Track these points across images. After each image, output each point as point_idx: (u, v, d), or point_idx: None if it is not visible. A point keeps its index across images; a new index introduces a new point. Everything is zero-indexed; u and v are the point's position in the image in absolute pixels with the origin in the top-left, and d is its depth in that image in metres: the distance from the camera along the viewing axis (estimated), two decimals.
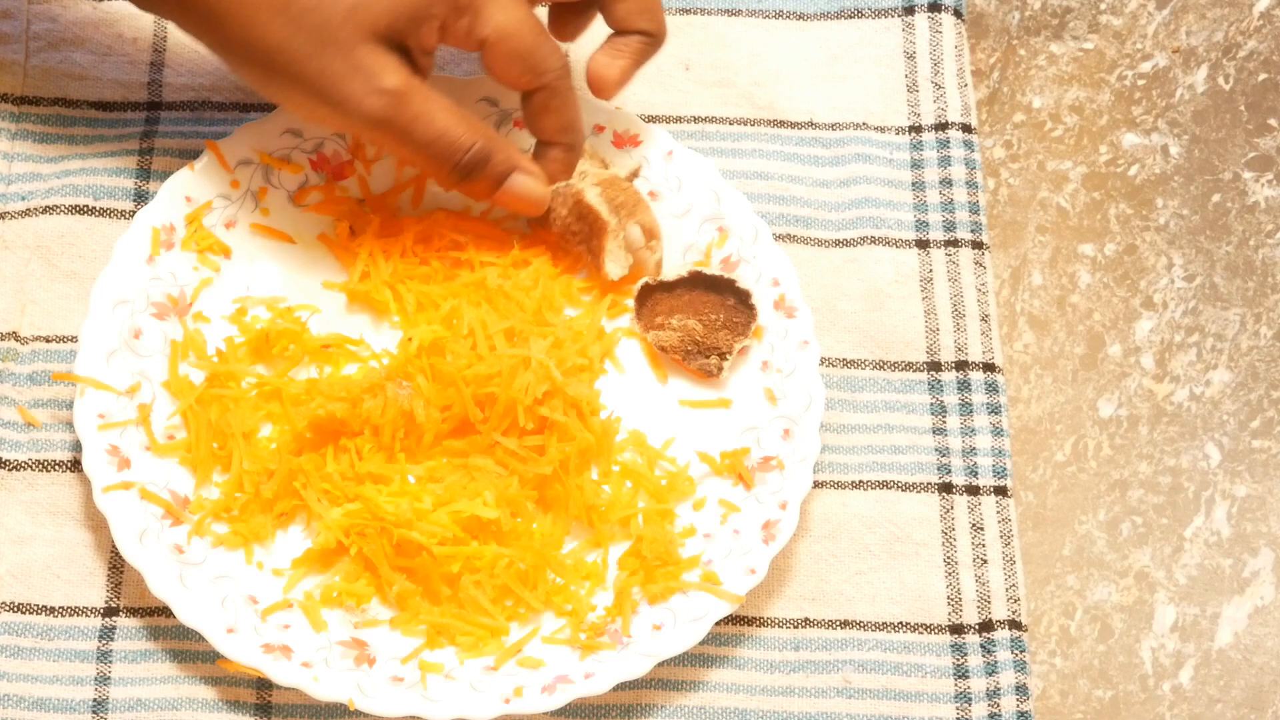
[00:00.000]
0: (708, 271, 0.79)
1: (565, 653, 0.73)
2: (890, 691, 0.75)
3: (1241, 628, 0.78)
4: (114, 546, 0.75)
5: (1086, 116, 0.88)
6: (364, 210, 0.81)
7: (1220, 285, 0.85)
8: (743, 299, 0.79)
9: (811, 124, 0.85)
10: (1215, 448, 0.82)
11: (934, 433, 0.79)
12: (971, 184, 0.84)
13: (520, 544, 0.74)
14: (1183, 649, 0.78)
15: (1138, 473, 0.81)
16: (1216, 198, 0.87)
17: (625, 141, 0.82)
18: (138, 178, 0.82)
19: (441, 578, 0.73)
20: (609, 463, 0.77)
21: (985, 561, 0.77)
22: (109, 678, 0.74)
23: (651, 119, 0.84)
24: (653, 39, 0.78)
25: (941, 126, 0.85)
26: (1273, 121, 0.88)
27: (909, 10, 0.87)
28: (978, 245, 0.83)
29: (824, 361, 0.80)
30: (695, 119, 0.85)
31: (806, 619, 0.76)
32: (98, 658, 0.74)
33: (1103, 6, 0.90)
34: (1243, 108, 0.89)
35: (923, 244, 0.83)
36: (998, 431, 0.79)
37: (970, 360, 0.81)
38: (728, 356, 0.78)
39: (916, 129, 0.85)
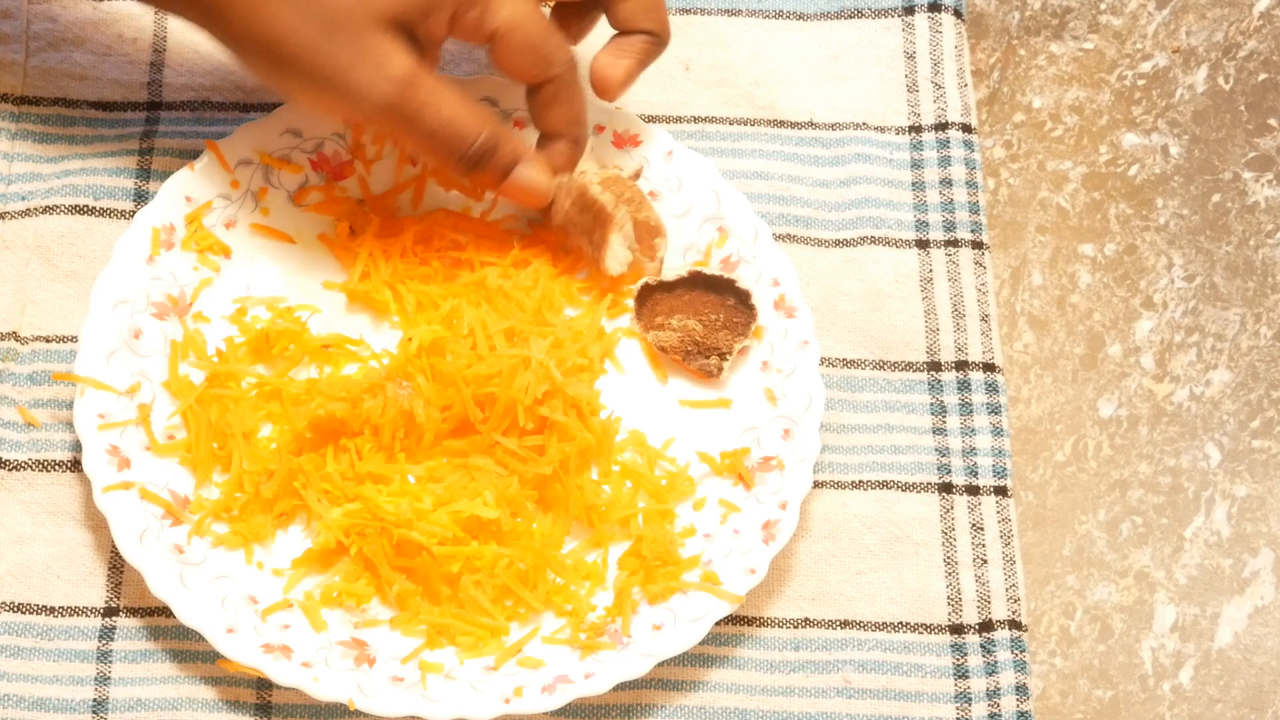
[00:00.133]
0: (708, 271, 0.79)
1: (565, 653, 0.73)
2: (890, 691, 0.75)
3: (1241, 628, 0.78)
4: (114, 546, 0.75)
5: (1086, 116, 0.88)
6: (364, 210, 0.81)
7: (1220, 285, 0.85)
8: (743, 299, 0.79)
9: (811, 124, 0.85)
10: (1215, 448, 0.82)
11: (934, 433, 0.79)
12: (971, 184, 0.84)
13: (520, 544, 0.74)
14: (1183, 649, 0.78)
15: (1138, 473, 0.81)
16: (1216, 198, 0.87)
17: (625, 141, 0.82)
18: (138, 178, 0.82)
19: (441, 578, 0.73)
20: (609, 463, 0.77)
21: (985, 561, 0.77)
22: (109, 678, 0.74)
23: (651, 119, 0.84)
24: (657, 39, 0.78)
25: (941, 126, 0.85)
26: (1273, 121, 0.88)
27: (909, 10, 0.87)
28: (978, 245, 0.83)
29: (824, 361, 0.80)
30: (695, 119, 0.85)
31: (806, 619, 0.76)
32: (98, 658, 0.74)
33: (1103, 6, 0.90)
34: (1243, 108, 0.89)
35: (923, 244, 0.83)
36: (998, 431, 0.79)
37: (970, 360, 0.81)
38: (728, 356, 0.78)
39: (916, 129, 0.85)
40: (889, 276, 0.82)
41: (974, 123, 0.86)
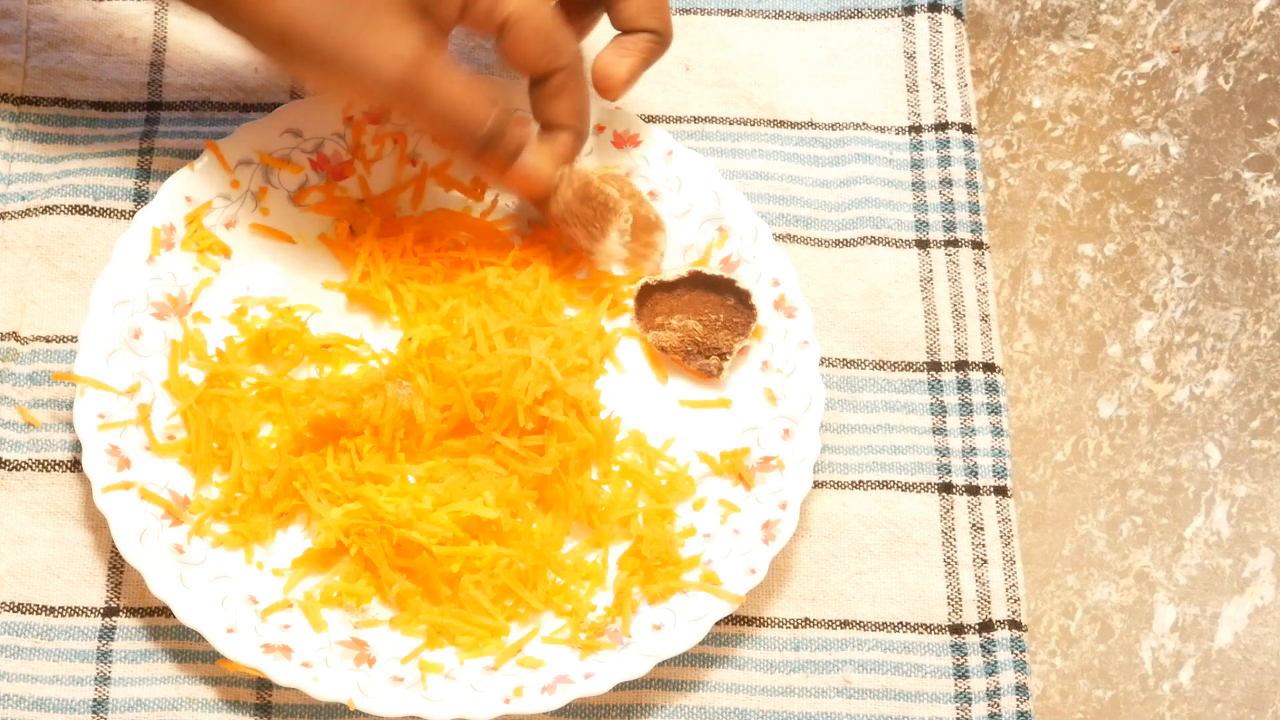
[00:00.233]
0: (708, 271, 0.79)
1: (565, 653, 0.73)
2: (890, 691, 0.75)
3: (1241, 628, 0.78)
4: (114, 546, 0.75)
5: (1086, 116, 0.88)
6: (364, 210, 0.81)
7: (1220, 285, 0.85)
8: (743, 299, 0.79)
9: (811, 124, 0.85)
10: (1215, 448, 0.82)
11: (934, 433, 0.79)
12: (971, 184, 0.84)
13: (520, 544, 0.74)
14: (1183, 649, 0.78)
15: (1138, 473, 0.81)
16: (1216, 198, 0.87)
17: (625, 141, 0.82)
18: (138, 178, 0.82)
19: (441, 578, 0.73)
20: (609, 463, 0.77)
21: (985, 561, 0.77)
22: (109, 678, 0.74)
23: (651, 119, 0.84)
24: (660, 38, 0.78)
25: (941, 126, 0.85)
26: (1273, 121, 0.88)
27: (909, 10, 0.87)
28: (978, 245, 0.83)
29: (824, 361, 0.80)
30: (695, 119, 0.85)
31: (806, 619, 0.76)
32: (98, 658, 0.74)
33: (1103, 6, 0.90)
34: (1243, 108, 0.89)
35: (923, 244, 0.83)
36: (998, 431, 0.79)
37: (970, 360, 0.81)
38: (728, 356, 0.78)
39: (916, 129, 0.85)
40: (889, 276, 0.82)
41: (974, 123, 0.86)
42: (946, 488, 0.79)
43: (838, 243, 0.83)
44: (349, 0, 0.71)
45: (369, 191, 0.81)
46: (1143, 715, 0.77)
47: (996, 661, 0.75)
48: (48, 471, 0.77)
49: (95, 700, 0.73)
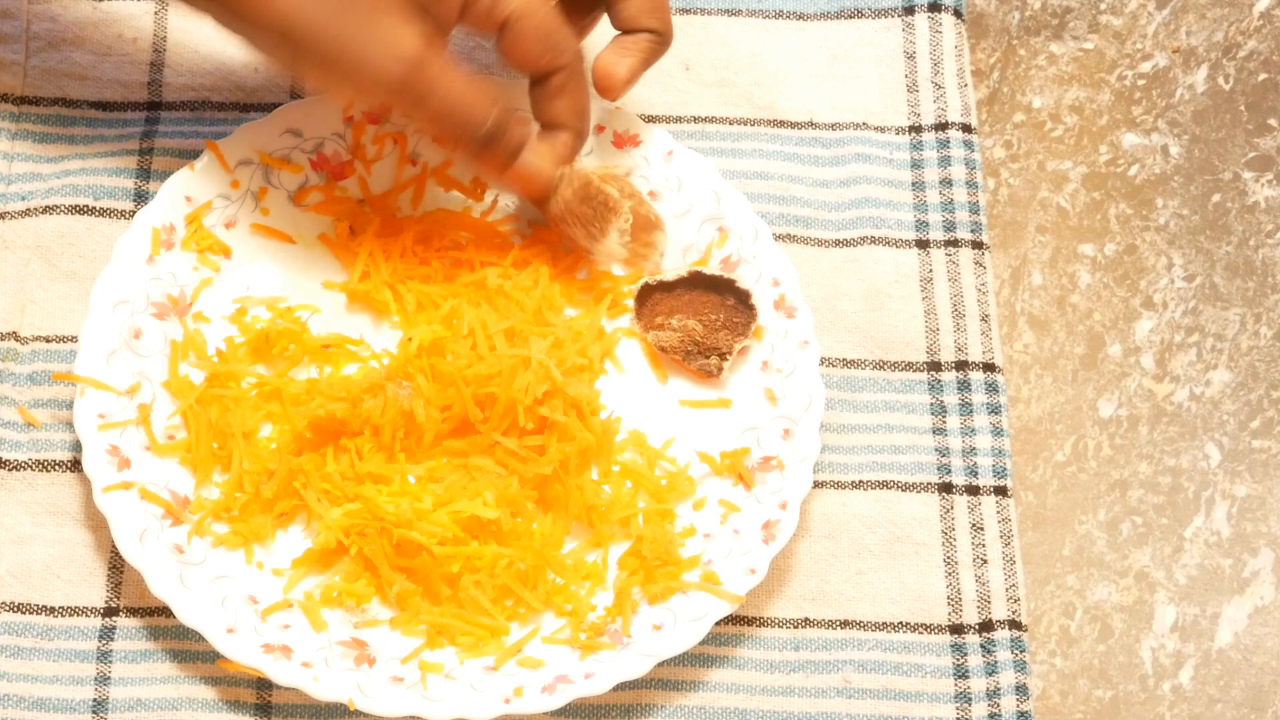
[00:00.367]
0: (708, 271, 0.79)
1: (565, 653, 0.73)
2: (890, 691, 0.75)
3: (1241, 628, 0.78)
4: (114, 546, 0.75)
5: (1086, 116, 0.88)
6: (364, 210, 0.81)
7: (1220, 285, 0.85)
8: (743, 299, 0.79)
9: (811, 124, 0.85)
10: (1215, 448, 0.82)
11: (934, 433, 0.79)
12: (971, 184, 0.84)
13: (520, 544, 0.74)
14: (1183, 649, 0.78)
15: (1138, 473, 0.81)
16: (1216, 198, 0.87)
17: (625, 141, 0.82)
18: (138, 178, 0.82)
19: (441, 578, 0.73)
20: (609, 463, 0.77)
21: (985, 561, 0.77)
22: (109, 678, 0.74)
23: (651, 119, 0.84)
24: (660, 38, 0.78)
25: (941, 126, 0.85)
26: (1273, 121, 0.88)
27: (909, 10, 0.87)
28: (978, 245, 0.83)
29: (824, 361, 0.80)
30: (695, 119, 0.85)
31: (806, 619, 0.76)
32: (98, 658, 0.74)
33: (1103, 6, 0.90)
34: (1243, 108, 0.89)
35: (923, 244, 0.83)
36: (998, 431, 0.79)
37: (970, 360, 0.81)
38: (728, 356, 0.78)
39: (916, 129, 0.85)
40: (889, 276, 0.82)
41: (974, 123, 0.86)
42: (946, 488, 0.79)
43: (838, 243, 0.83)
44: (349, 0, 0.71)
45: (369, 191, 0.81)
46: (1143, 715, 0.77)
47: (996, 661, 0.75)
48: (48, 471, 0.77)
49: (95, 700, 0.73)
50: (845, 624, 0.76)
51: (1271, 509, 0.81)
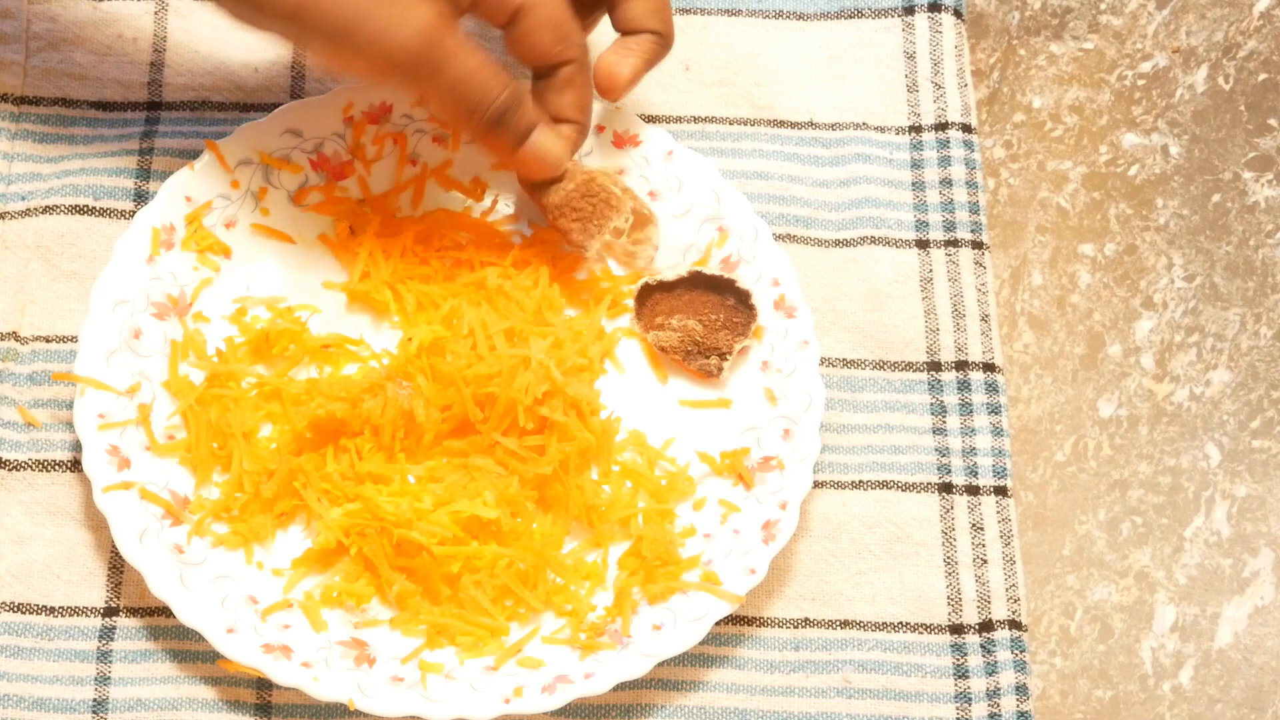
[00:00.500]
0: (708, 271, 0.79)
1: (565, 653, 0.73)
2: (890, 691, 0.75)
3: (1241, 628, 0.78)
4: (114, 546, 0.75)
5: (1086, 116, 0.88)
6: (364, 210, 0.81)
7: (1220, 285, 0.85)
8: (743, 299, 0.79)
9: (811, 124, 0.85)
10: (1215, 448, 0.82)
11: (934, 433, 0.79)
12: (971, 184, 0.84)
13: (520, 544, 0.74)
14: (1183, 649, 0.78)
15: (1138, 473, 0.81)
16: (1216, 198, 0.87)
17: (625, 141, 0.82)
18: (138, 178, 0.82)
19: (441, 578, 0.73)
20: (609, 463, 0.77)
21: (985, 561, 0.77)
22: (109, 678, 0.74)
23: (651, 119, 0.84)
24: (662, 39, 0.78)
25: (941, 126, 0.85)
26: (1273, 121, 0.88)
27: (909, 10, 0.87)
28: (978, 245, 0.83)
29: (824, 361, 0.80)
30: (695, 119, 0.85)
31: (806, 619, 0.76)
32: (98, 658, 0.74)
33: (1103, 6, 0.90)
34: (1243, 108, 0.89)
35: (923, 244, 0.83)
36: (998, 431, 0.79)
37: (970, 360, 0.81)
38: (728, 356, 0.78)
39: (916, 129, 0.85)
40: (889, 276, 0.82)
41: (974, 123, 0.86)
42: (946, 488, 0.79)
43: (838, 243, 0.83)
44: None
45: (369, 191, 0.81)
46: (1143, 715, 0.77)
47: (996, 661, 0.75)
48: (48, 471, 0.77)
49: (95, 700, 0.73)
50: (845, 624, 0.76)
51: (1271, 509, 0.81)
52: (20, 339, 0.79)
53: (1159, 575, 0.79)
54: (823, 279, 0.82)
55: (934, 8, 0.87)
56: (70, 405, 0.77)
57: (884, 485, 0.79)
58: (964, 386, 0.80)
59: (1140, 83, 0.89)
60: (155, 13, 0.85)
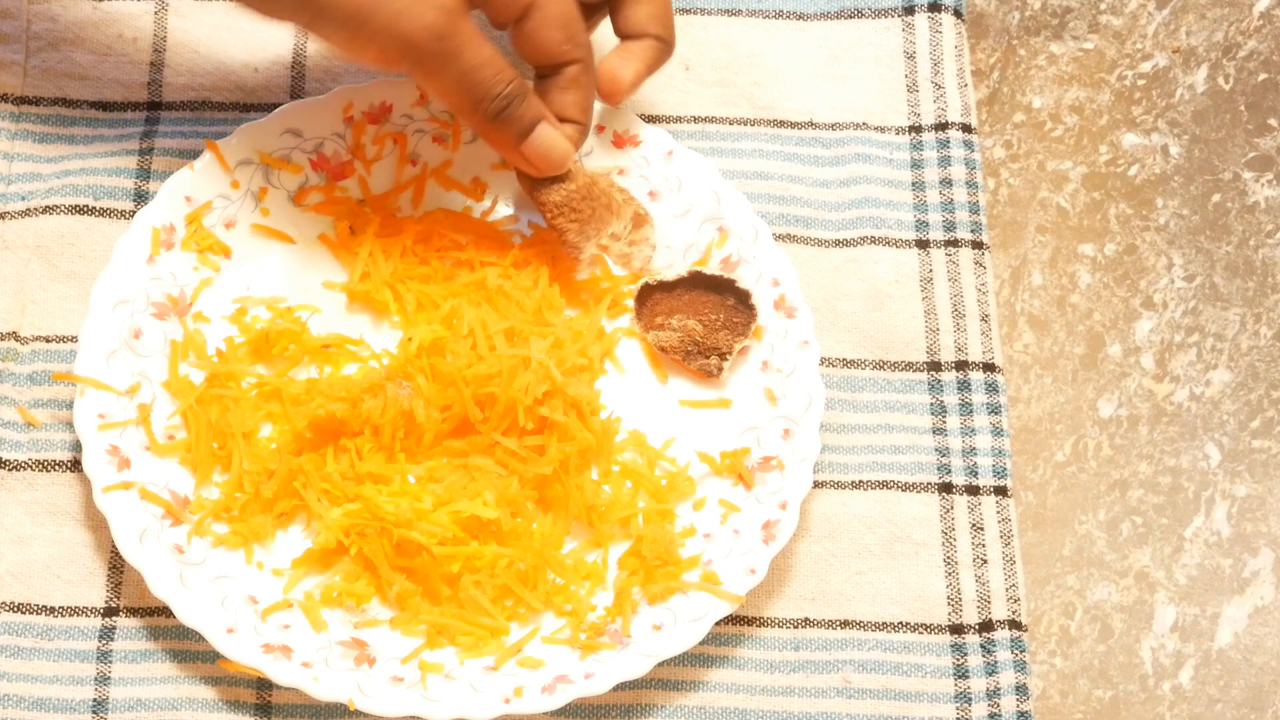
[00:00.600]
0: (708, 271, 0.79)
1: (565, 653, 0.73)
2: (890, 691, 0.75)
3: (1241, 628, 0.78)
4: (114, 546, 0.75)
5: (1086, 116, 0.88)
6: (364, 210, 0.81)
7: (1220, 285, 0.85)
8: (743, 299, 0.79)
9: (811, 124, 0.85)
10: (1215, 448, 0.82)
11: (934, 433, 0.79)
12: (971, 184, 0.84)
13: (520, 544, 0.74)
14: (1183, 649, 0.78)
15: (1138, 473, 0.81)
16: (1216, 198, 0.87)
17: (625, 141, 0.82)
18: (138, 178, 0.82)
19: (441, 578, 0.73)
20: (609, 463, 0.77)
21: (985, 561, 0.77)
22: (109, 678, 0.74)
23: (651, 119, 0.84)
24: (664, 45, 0.78)
25: (941, 126, 0.85)
26: (1273, 121, 0.88)
27: (909, 10, 0.87)
28: (978, 245, 0.83)
29: (824, 361, 0.80)
30: (695, 119, 0.85)
31: (806, 619, 0.76)
32: (98, 658, 0.74)
33: (1103, 6, 0.90)
34: (1243, 108, 0.89)
35: (923, 244, 0.83)
36: (998, 431, 0.79)
37: (970, 360, 0.81)
38: (728, 356, 0.78)
39: (916, 129, 0.85)
40: (889, 276, 0.82)
41: (974, 123, 0.86)
42: (946, 488, 0.79)
43: (838, 243, 0.83)
44: None
45: (369, 191, 0.81)
46: (1143, 715, 0.77)
47: (996, 661, 0.75)
48: (48, 471, 0.77)
49: (95, 700, 0.73)
50: (845, 624, 0.76)
51: (1271, 509, 0.81)
52: (20, 339, 0.79)
53: (1159, 575, 0.79)
54: (823, 279, 0.82)
55: (934, 8, 0.87)
56: (70, 405, 0.77)
57: (884, 485, 0.79)
58: (964, 386, 0.80)
59: (1140, 83, 0.89)
60: (155, 13, 0.85)
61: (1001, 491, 0.79)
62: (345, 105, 0.80)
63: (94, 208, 0.81)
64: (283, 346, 0.78)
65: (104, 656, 0.74)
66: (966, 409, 0.80)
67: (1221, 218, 0.86)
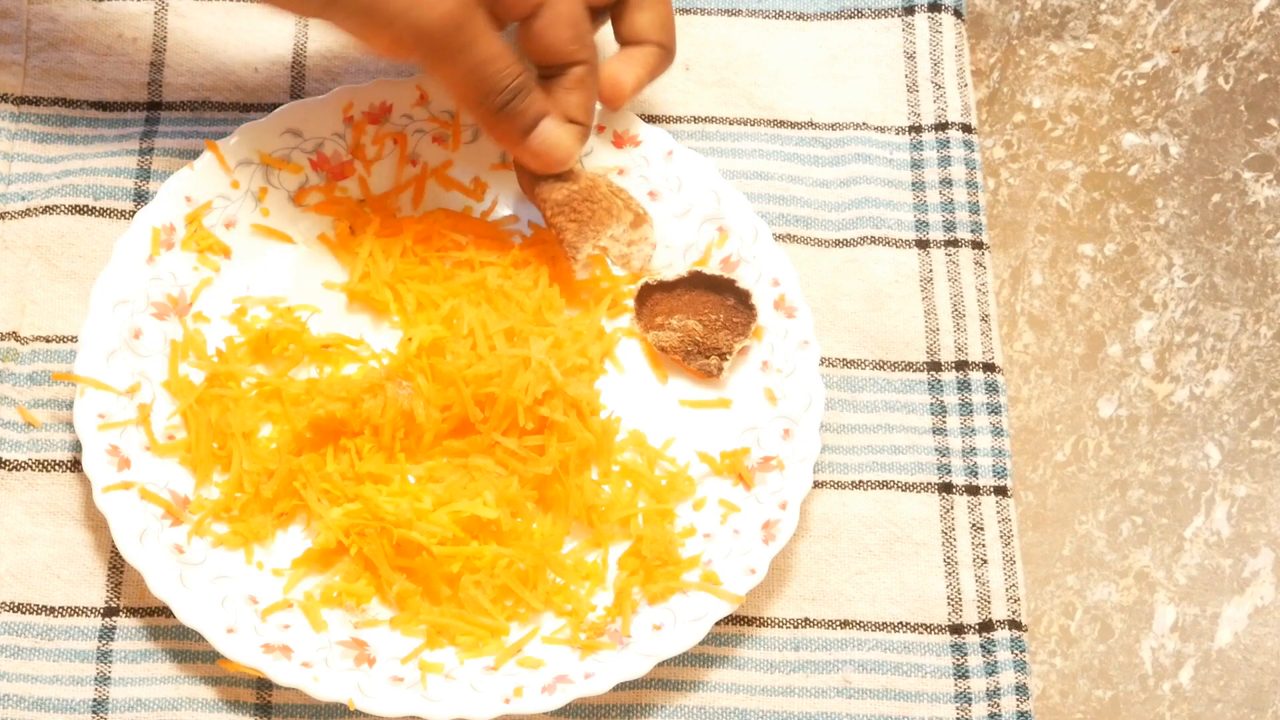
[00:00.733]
0: (708, 271, 0.79)
1: (565, 653, 0.73)
2: (890, 691, 0.75)
3: (1241, 628, 0.78)
4: (114, 546, 0.75)
5: (1086, 116, 0.88)
6: (364, 210, 0.81)
7: (1220, 285, 0.85)
8: (743, 299, 0.79)
9: (811, 124, 0.85)
10: (1215, 448, 0.82)
11: (934, 433, 0.79)
12: (971, 184, 0.84)
13: (520, 544, 0.74)
14: (1183, 649, 0.78)
15: (1138, 473, 0.81)
16: (1216, 198, 0.87)
17: (625, 141, 0.82)
18: (138, 178, 0.82)
19: (441, 578, 0.73)
20: (609, 463, 0.77)
21: (985, 561, 0.77)
22: (109, 678, 0.74)
23: (651, 119, 0.84)
24: (665, 52, 0.78)
25: (941, 126, 0.85)
26: (1273, 121, 0.88)
27: (909, 10, 0.87)
28: (978, 245, 0.83)
29: (824, 361, 0.80)
30: (695, 119, 0.85)
31: (806, 619, 0.76)
32: (98, 658, 0.74)
33: (1103, 6, 0.90)
34: (1243, 108, 0.89)
35: (923, 244, 0.83)
36: (998, 431, 0.79)
37: (970, 360, 0.81)
38: (728, 356, 0.78)
39: (916, 129, 0.85)
40: (889, 276, 0.82)
41: (974, 123, 0.86)
42: (946, 488, 0.79)
43: (838, 243, 0.83)
44: None
45: (369, 191, 0.81)
46: (1143, 715, 0.77)
47: (996, 661, 0.75)
48: (48, 471, 0.77)
49: (95, 700, 0.73)
50: (845, 624, 0.76)
51: (1271, 509, 0.81)
52: (20, 339, 0.79)
53: (1159, 575, 0.79)
54: (823, 279, 0.82)
55: (934, 8, 0.87)
56: (70, 405, 0.77)
57: (884, 485, 0.79)
58: (964, 386, 0.80)
59: (1140, 83, 0.89)
60: (155, 13, 0.85)
61: (1001, 491, 0.79)
62: (345, 105, 0.80)
63: (94, 208, 0.81)
64: (283, 346, 0.78)
65: (104, 656, 0.74)
66: (966, 409, 0.80)
67: (1221, 218, 0.86)
